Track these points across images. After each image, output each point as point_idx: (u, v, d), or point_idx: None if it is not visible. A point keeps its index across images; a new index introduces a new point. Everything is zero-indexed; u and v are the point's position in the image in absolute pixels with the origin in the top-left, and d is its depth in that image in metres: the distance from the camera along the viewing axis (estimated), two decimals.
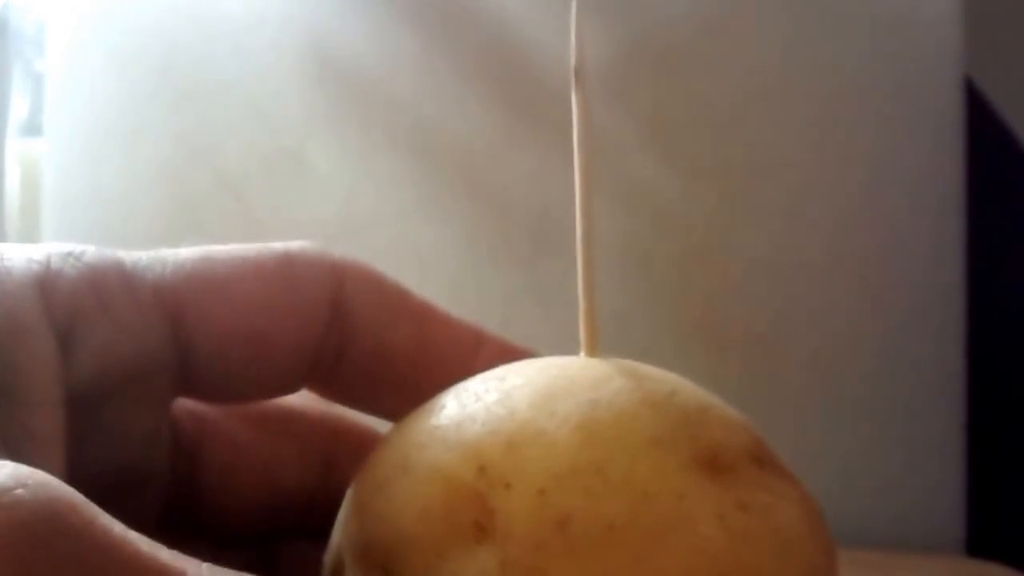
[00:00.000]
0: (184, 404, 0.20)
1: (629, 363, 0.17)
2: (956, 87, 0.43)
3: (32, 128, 0.52)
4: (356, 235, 0.44)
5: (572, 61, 0.18)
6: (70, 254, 0.17)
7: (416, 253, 0.44)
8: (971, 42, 0.43)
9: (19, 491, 0.13)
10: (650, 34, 0.43)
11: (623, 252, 0.43)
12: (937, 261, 0.43)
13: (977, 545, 0.42)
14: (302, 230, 0.44)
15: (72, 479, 0.14)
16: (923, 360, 0.43)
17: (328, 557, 0.17)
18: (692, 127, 0.43)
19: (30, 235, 0.50)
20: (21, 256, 0.17)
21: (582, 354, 0.18)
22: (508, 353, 0.19)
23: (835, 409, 0.43)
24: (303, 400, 0.21)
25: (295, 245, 0.19)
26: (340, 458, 0.20)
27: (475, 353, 0.19)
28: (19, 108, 0.53)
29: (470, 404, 0.16)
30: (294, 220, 0.45)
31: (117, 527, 0.13)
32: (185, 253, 0.19)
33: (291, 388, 0.20)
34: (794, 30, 0.43)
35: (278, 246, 0.19)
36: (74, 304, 0.17)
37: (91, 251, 0.18)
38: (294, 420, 0.21)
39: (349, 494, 0.17)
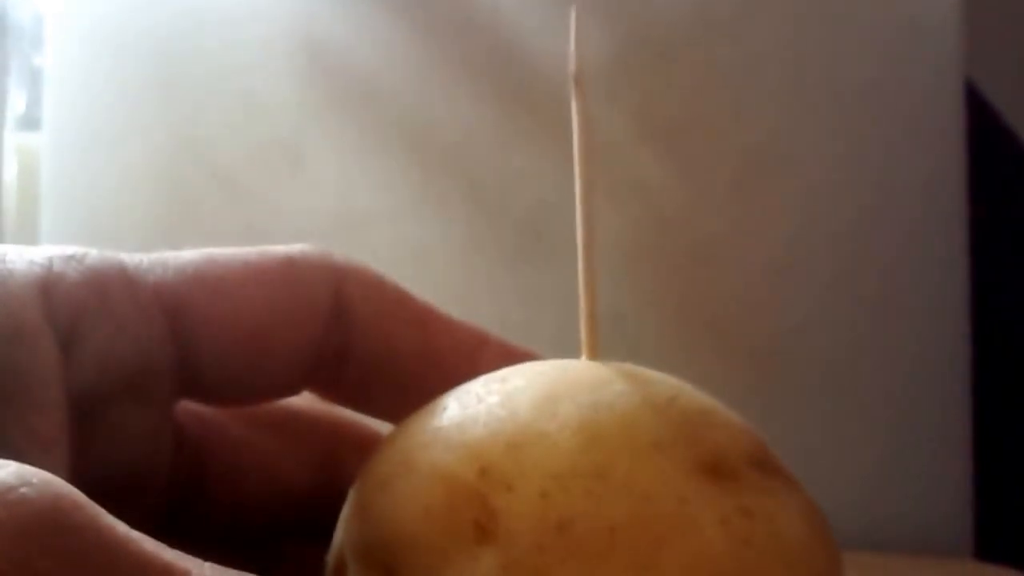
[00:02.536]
0: (186, 405, 0.20)
1: (630, 367, 0.17)
2: (957, 90, 0.43)
3: (30, 122, 0.52)
4: (352, 232, 0.44)
5: (571, 68, 0.18)
6: (72, 257, 0.17)
7: (412, 251, 0.44)
8: (972, 45, 0.43)
9: (24, 490, 0.13)
10: (649, 32, 0.43)
11: (624, 254, 0.43)
12: (941, 264, 0.43)
13: (985, 548, 0.42)
14: (297, 225, 0.44)
15: (74, 480, 0.14)
16: (928, 363, 0.43)
17: (331, 556, 0.17)
18: (693, 128, 0.43)
19: (28, 229, 0.50)
20: (23, 258, 0.17)
21: (583, 357, 0.18)
22: (510, 356, 0.19)
23: (840, 413, 0.42)
24: (305, 400, 0.21)
25: (297, 248, 0.19)
26: (342, 457, 0.20)
27: (477, 356, 0.19)
28: (17, 102, 0.53)
29: (472, 405, 0.16)
30: (289, 215, 0.45)
31: (121, 527, 0.13)
32: (187, 255, 0.19)
33: (292, 390, 0.20)
34: (795, 34, 0.43)
35: (280, 249, 0.19)
36: (76, 306, 0.17)
37: (93, 254, 0.18)
38: (296, 420, 0.21)
39: (352, 493, 0.17)
